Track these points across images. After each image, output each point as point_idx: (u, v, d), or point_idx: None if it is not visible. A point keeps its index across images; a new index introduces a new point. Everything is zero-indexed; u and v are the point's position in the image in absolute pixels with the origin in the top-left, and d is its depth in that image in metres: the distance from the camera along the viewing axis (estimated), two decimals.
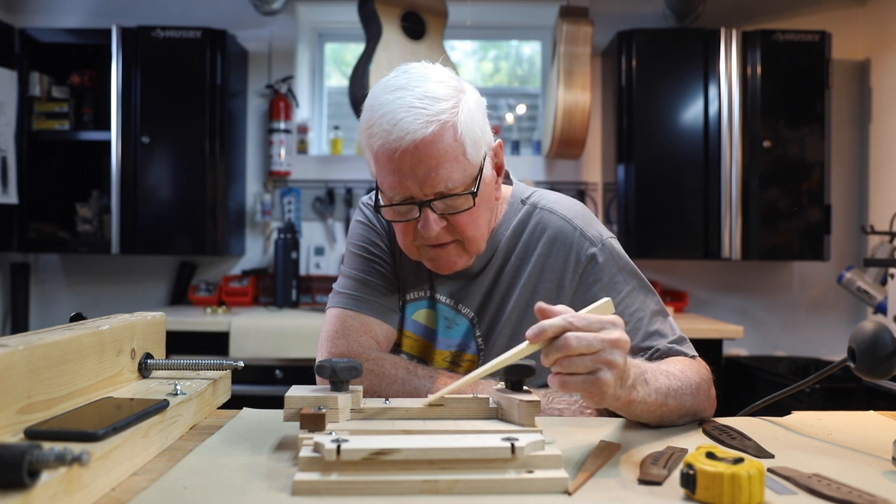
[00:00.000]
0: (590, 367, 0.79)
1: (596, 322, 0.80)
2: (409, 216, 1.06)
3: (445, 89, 1.03)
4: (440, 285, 1.19)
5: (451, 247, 1.08)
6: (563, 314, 0.81)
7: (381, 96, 1.03)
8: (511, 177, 1.25)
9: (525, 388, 0.87)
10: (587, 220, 1.17)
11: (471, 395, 0.88)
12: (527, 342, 0.81)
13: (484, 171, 1.07)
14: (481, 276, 1.17)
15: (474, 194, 1.04)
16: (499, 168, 1.13)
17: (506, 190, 1.21)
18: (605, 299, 0.86)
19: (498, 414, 0.87)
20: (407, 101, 1.00)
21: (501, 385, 0.88)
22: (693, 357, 1.10)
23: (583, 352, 0.78)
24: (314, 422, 0.77)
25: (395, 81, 1.04)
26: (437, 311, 1.19)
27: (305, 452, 0.70)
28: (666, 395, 0.93)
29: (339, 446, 0.67)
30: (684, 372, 0.99)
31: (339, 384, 0.85)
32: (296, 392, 0.85)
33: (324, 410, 0.79)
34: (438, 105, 1.00)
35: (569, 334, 0.78)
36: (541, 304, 0.82)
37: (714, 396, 1.06)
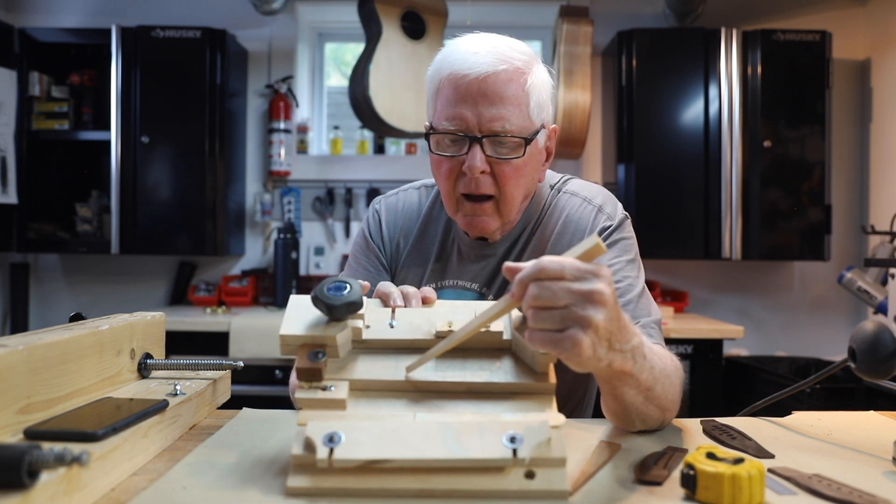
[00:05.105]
0: (557, 323, 0.66)
1: (571, 269, 0.66)
2: (458, 151, 1.04)
3: (525, 48, 1.06)
4: (457, 272, 1.18)
5: (489, 205, 1.06)
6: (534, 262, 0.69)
7: (461, 39, 1.06)
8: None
9: None
10: (608, 200, 1.16)
11: (483, 330, 0.76)
12: (508, 297, 0.70)
13: (538, 137, 1.07)
14: (493, 247, 1.16)
15: (528, 141, 1.03)
16: (549, 152, 1.13)
17: None
18: (593, 236, 0.68)
19: (512, 347, 0.78)
20: (488, 43, 1.03)
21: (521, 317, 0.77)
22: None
23: (547, 305, 0.66)
24: (311, 375, 0.74)
25: (477, 35, 1.06)
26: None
27: (297, 449, 0.67)
28: (656, 379, 0.83)
29: (331, 450, 0.66)
30: (673, 359, 0.94)
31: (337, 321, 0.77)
32: (291, 331, 0.76)
33: (322, 360, 0.73)
34: (516, 53, 1.03)
35: (532, 285, 0.66)
36: (507, 264, 0.72)
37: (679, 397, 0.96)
